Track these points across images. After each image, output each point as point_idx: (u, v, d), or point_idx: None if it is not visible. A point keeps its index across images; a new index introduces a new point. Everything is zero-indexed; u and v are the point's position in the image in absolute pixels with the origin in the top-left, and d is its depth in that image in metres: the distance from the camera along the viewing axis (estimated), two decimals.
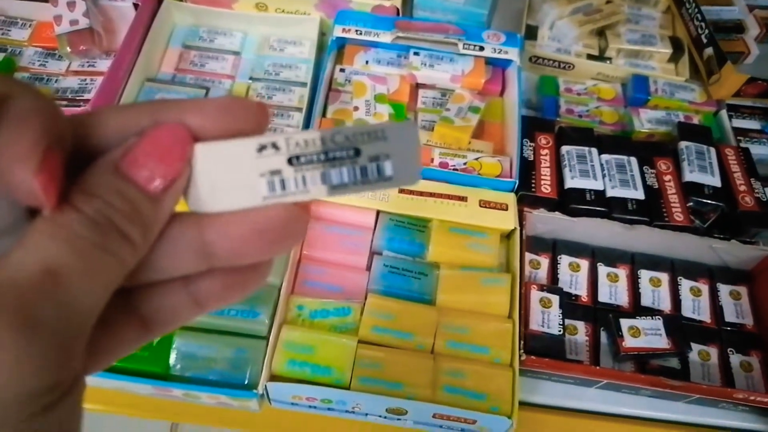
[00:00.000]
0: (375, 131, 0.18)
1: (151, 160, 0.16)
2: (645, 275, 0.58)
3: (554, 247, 0.59)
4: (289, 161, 0.17)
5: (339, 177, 0.18)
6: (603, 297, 0.57)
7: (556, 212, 0.56)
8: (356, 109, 0.63)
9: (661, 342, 0.53)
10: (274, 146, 0.17)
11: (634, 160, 0.61)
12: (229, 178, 0.17)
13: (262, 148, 0.17)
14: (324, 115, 0.65)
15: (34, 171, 0.14)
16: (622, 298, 0.57)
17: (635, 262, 0.58)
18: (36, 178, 0.14)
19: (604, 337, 0.55)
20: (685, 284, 0.58)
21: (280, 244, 0.18)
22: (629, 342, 0.53)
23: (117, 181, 0.15)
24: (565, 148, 0.61)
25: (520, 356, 0.50)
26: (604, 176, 0.59)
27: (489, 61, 0.68)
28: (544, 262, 0.58)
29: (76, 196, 0.15)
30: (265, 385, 0.47)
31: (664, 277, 0.58)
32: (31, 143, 0.14)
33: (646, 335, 0.53)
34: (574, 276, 0.58)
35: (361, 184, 0.18)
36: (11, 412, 0.13)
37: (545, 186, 0.58)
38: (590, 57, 0.73)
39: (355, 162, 0.18)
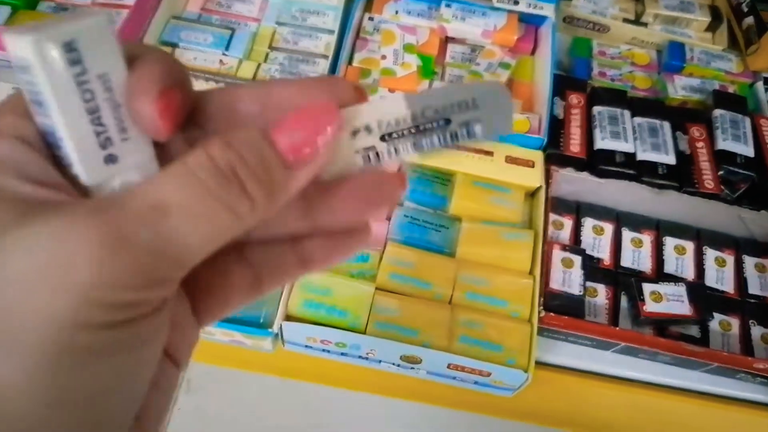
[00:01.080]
0: (466, 102, 0.18)
1: (298, 131, 0.16)
2: (670, 242, 0.57)
3: (578, 209, 0.58)
4: (382, 138, 0.18)
5: (430, 143, 0.19)
6: (626, 262, 0.56)
7: (585, 172, 0.55)
8: (384, 57, 0.62)
9: (683, 308, 0.52)
10: (367, 129, 0.18)
11: (666, 124, 0.59)
12: (330, 156, 0.18)
13: (355, 132, 0.18)
14: (350, 62, 0.63)
15: (152, 100, 0.16)
16: (646, 264, 0.56)
17: (661, 228, 0.57)
18: (153, 105, 0.16)
19: (624, 301, 0.54)
20: (710, 254, 0.57)
21: (373, 204, 0.19)
22: (650, 306, 0.52)
23: (260, 140, 0.16)
24: (596, 109, 0.59)
25: (539, 312, 0.49)
26: (635, 139, 0.58)
27: (521, 19, 0.66)
28: (568, 223, 0.57)
29: (215, 143, 0.16)
30: (281, 325, 0.46)
31: (689, 245, 0.57)
32: (152, 81, 0.16)
33: (668, 301, 0.52)
34: (597, 239, 0.56)
35: (450, 145, 0.19)
36: (84, 312, 0.14)
37: (574, 145, 0.57)
38: (626, 21, 0.71)
39: (445, 129, 0.18)
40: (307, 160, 0.17)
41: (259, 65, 0.61)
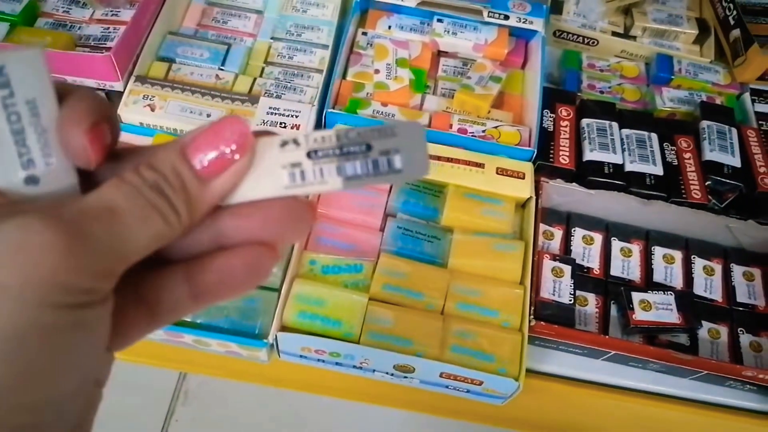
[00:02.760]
0: (385, 129, 0.20)
1: (208, 147, 0.18)
2: (659, 252, 0.58)
3: (568, 220, 0.59)
4: (308, 155, 0.19)
5: (353, 169, 0.20)
6: (615, 271, 0.57)
7: (574, 183, 0.56)
8: (377, 72, 0.63)
9: (672, 317, 0.53)
10: (295, 142, 0.19)
11: (654, 136, 0.60)
12: (255, 170, 0.19)
13: (284, 144, 0.19)
14: (344, 77, 0.64)
15: (84, 130, 0.18)
16: (635, 273, 0.57)
17: (649, 238, 0.58)
18: (86, 135, 0.18)
19: (614, 310, 0.55)
20: (699, 263, 0.58)
21: (283, 230, 0.20)
22: (639, 315, 0.53)
23: (176, 160, 0.18)
24: (585, 121, 0.60)
25: (529, 322, 0.50)
26: (623, 150, 0.59)
27: (512, 33, 0.67)
28: (558, 233, 0.58)
29: (143, 167, 0.18)
30: (276, 335, 0.47)
31: (677, 254, 0.58)
32: (84, 113, 0.18)
33: (657, 309, 0.53)
34: (587, 249, 0.57)
35: (373, 176, 0.20)
36: (50, 294, 0.16)
37: (563, 157, 0.58)
38: (615, 34, 0.72)
39: (368, 156, 0.19)
40: (219, 171, 0.18)
41: (254, 80, 0.62)
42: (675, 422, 0.55)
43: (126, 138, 0.57)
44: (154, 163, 0.18)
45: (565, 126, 0.60)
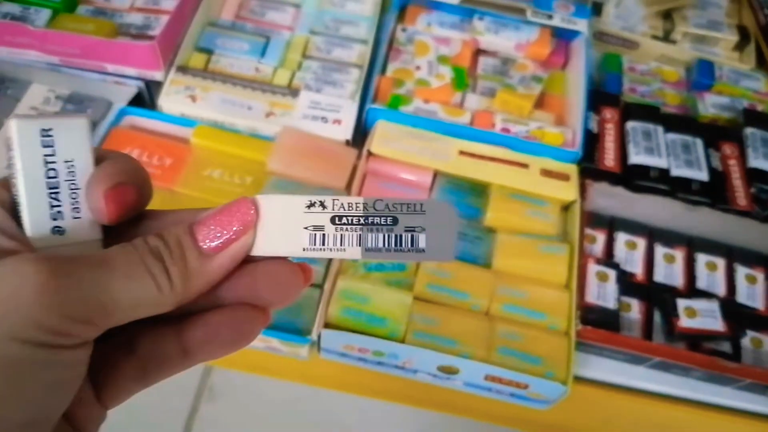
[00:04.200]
0: (414, 204, 0.20)
1: (214, 225, 0.19)
2: (701, 259, 0.57)
3: (611, 224, 0.58)
4: (332, 220, 0.19)
5: (374, 241, 0.19)
6: (658, 277, 0.56)
7: (619, 187, 0.55)
8: (418, 68, 0.62)
9: (717, 324, 0.52)
10: (322, 204, 0.20)
11: (699, 141, 0.59)
12: (279, 227, 0.20)
13: (311, 205, 0.20)
14: (383, 72, 0.64)
15: (104, 190, 0.19)
16: (678, 280, 0.56)
17: (692, 245, 0.57)
18: (103, 196, 0.19)
19: (657, 316, 0.54)
20: (741, 271, 0.57)
21: (271, 294, 0.20)
22: (684, 322, 0.52)
23: (182, 231, 0.19)
24: (630, 124, 0.60)
25: (576, 326, 0.49)
26: (669, 155, 0.58)
27: (553, 34, 0.66)
28: (600, 237, 0.57)
29: (151, 234, 0.19)
30: (319, 332, 0.46)
31: (720, 262, 0.57)
32: (110, 174, 0.19)
33: (702, 316, 0.52)
34: (629, 254, 0.57)
35: (394, 251, 0.20)
36: (27, 330, 0.16)
37: (609, 159, 0.57)
38: (654, 38, 0.72)
39: (392, 230, 0.19)
40: (221, 249, 0.19)
41: (294, 73, 0.61)
42: (716, 431, 0.54)
43: (167, 128, 0.57)
44: (162, 231, 0.19)
45: (610, 128, 0.59)
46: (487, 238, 0.54)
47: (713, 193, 0.57)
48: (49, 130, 0.18)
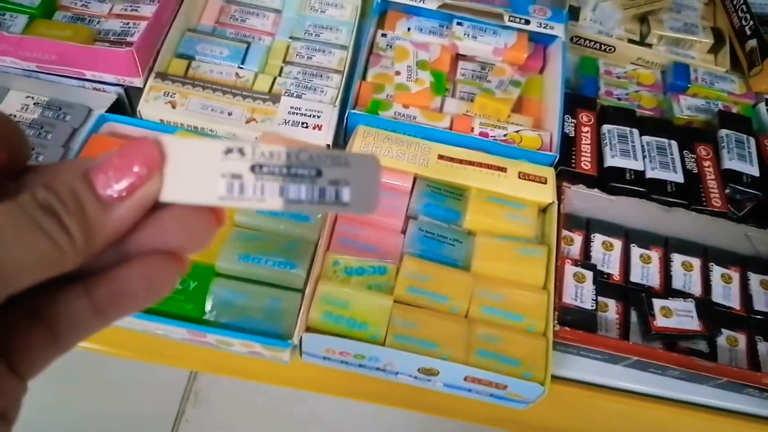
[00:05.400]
0: (338, 157, 0.19)
1: (115, 171, 0.17)
2: (677, 259, 0.58)
3: (588, 225, 0.59)
4: (252, 168, 0.18)
5: (297, 193, 0.19)
6: (635, 277, 0.57)
7: (595, 189, 0.56)
8: (398, 73, 0.63)
9: (693, 324, 0.53)
10: (240, 151, 0.18)
11: (674, 143, 0.60)
12: (192, 173, 0.18)
13: (228, 151, 0.18)
14: (364, 78, 0.64)
15: None
16: (654, 280, 0.57)
17: (668, 245, 0.58)
18: None
19: (634, 316, 0.55)
20: (717, 270, 0.58)
21: (181, 238, 0.19)
22: (660, 321, 0.53)
23: (76, 181, 0.17)
24: (606, 127, 0.60)
25: (554, 327, 0.50)
26: (644, 157, 0.59)
27: (531, 38, 0.67)
28: (577, 239, 0.58)
29: (38, 187, 0.17)
30: (301, 336, 0.47)
31: (696, 262, 0.58)
32: None
33: (677, 316, 0.53)
34: (606, 255, 0.57)
35: (317, 204, 0.19)
36: None
37: (585, 162, 0.58)
38: (630, 42, 0.73)
39: (315, 182, 0.19)
40: (124, 197, 0.17)
41: (274, 79, 0.62)
42: (692, 428, 0.55)
43: (147, 135, 0.57)
44: (51, 182, 0.17)
45: (587, 132, 0.60)
46: (467, 241, 0.54)
47: (688, 194, 0.58)
48: None
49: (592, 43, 0.71)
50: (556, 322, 0.50)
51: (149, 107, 0.57)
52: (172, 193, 0.18)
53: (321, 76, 0.64)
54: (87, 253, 0.17)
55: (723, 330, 0.55)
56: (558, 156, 0.57)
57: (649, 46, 0.73)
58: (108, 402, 0.82)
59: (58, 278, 0.18)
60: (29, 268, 0.16)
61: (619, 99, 0.67)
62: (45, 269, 0.17)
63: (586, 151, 0.59)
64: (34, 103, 0.58)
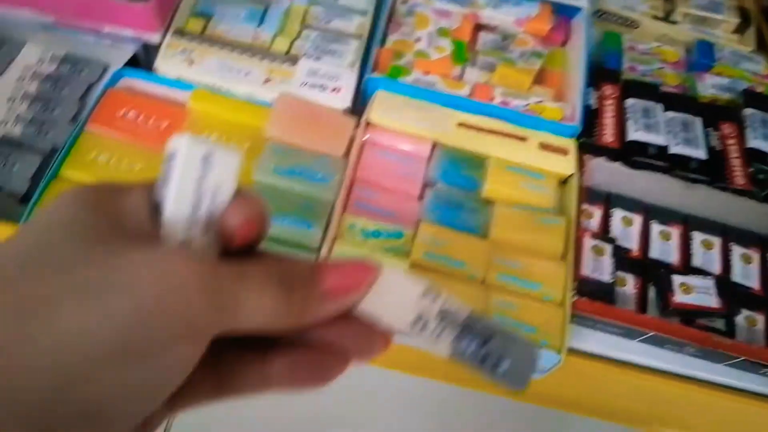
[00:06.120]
0: (511, 336, 0.22)
1: (341, 276, 0.21)
2: (697, 237, 0.57)
3: (608, 200, 0.58)
4: (439, 313, 0.21)
5: (466, 347, 0.21)
6: (654, 253, 0.56)
7: (617, 162, 0.55)
8: (418, 40, 0.62)
9: (712, 301, 0.52)
10: (435, 296, 0.22)
11: (698, 120, 0.59)
12: (392, 299, 0.21)
13: (427, 292, 0.22)
14: (383, 44, 0.63)
15: (245, 216, 0.21)
16: (673, 257, 0.56)
17: (689, 223, 0.57)
18: (243, 220, 0.21)
19: (652, 292, 0.54)
20: (737, 250, 0.57)
21: (354, 347, 0.22)
22: (679, 297, 0.52)
23: (310, 268, 0.21)
24: (630, 101, 0.59)
25: (572, 297, 0.49)
26: (668, 133, 0.58)
27: (554, 10, 0.66)
28: (597, 212, 0.57)
29: (284, 261, 0.21)
30: None
31: (716, 240, 0.57)
32: (250, 205, 0.21)
33: (697, 293, 0.52)
34: (625, 230, 0.56)
35: (476, 364, 0.21)
36: (180, 327, 0.18)
37: (608, 135, 0.57)
38: (655, 18, 0.71)
39: (483, 345, 0.21)
40: (339, 296, 0.21)
41: (292, 41, 0.61)
42: (705, 406, 0.55)
43: (163, 91, 0.56)
44: (293, 260, 0.21)
45: (610, 104, 0.59)
46: (484, 210, 0.53)
47: (711, 171, 0.57)
48: (211, 155, 0.20)
49: (617, 17, 0.70)
50: (574, 292, 0.49)
51: (166, 64, 0.56)
52: (370, 307, 0.21)
53: (339, 41, 0.63)
54: (298, 322, 0.20)
55: (742, 310, 0.54)
56: (580, 127, 0.56)
57: (674, 23, 0.71)
58: None
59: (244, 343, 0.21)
60: (257, 315, 0.19)
61: (642, 75, 0.66)
62: (266, 320, 0.19)
63: (608, 124, 0.58)
64: (51, 57, 0.57)
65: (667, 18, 0.72)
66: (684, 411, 0.55)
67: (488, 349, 0.21)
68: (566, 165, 0.54)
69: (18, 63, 0.57)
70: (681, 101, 0.61)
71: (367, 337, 0.22)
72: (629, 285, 0.54)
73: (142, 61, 0.59)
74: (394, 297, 0.21)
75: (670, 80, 0.66)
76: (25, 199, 0.50)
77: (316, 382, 0.22)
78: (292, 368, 0.21)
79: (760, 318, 0.54)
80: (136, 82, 0.56)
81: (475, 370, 0.21)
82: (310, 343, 0.22)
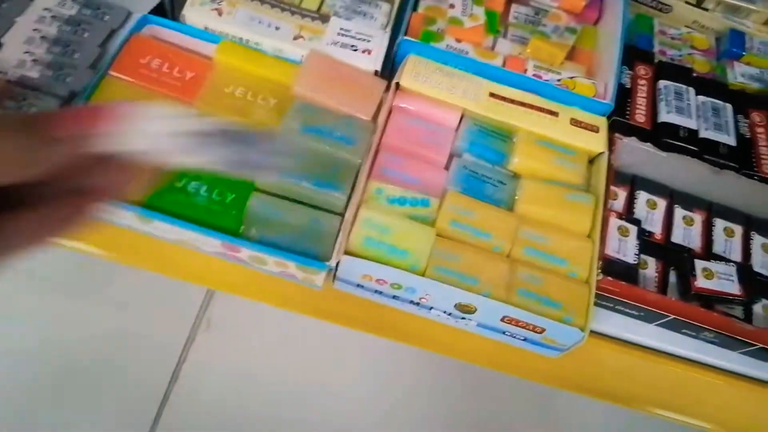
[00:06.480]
0: (263, 132, 0.23)
1: (69, 124, 0.21)
2: (720, 224, 0.56)
3: (633, 182, 0.57)
4: (189, 132, 0.22)
5: (227, 154, 0.22)
6: (676, 238, 0.55)
7: (648, 143, 0.54)
8: (452, 6, 0.60)
9: (733, 288, 0.52)
10: (179, 117, 0.22)
11: (729, 106, 0.59)
12: (144, 130, 0.22)
13: (175, 113, 0.22)
14: (415, 9, 0.61)
15: None
16: (695, 242, 0.55)
17: (712, 209, 0.57)
18: None
19: (673, 276, 0.54)
20: (758, 239, 0.57)
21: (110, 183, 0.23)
22: (701, 282, 0.52)
23: (46, 116, 0.21)
24: (662, 83, 0.58)
25: (597, 275, 0.48)
26: (698, 117, 0.57)
27: None
28: (621, 194, 0.56)
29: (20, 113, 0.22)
30: (338, 260, 0.45)
31: (738, 229, 0.57)
32: None
33: (719, 279, 0.52)
34: (650, 213, 0.56)
35: (245, 166, 0.23)
36: None
37: (640, 115, 0.56)
38: (687, 3, 0.70)
39: (240, 146, 0.23)
40: (72, 142, 0.21)
41: (323, 0, 0.59)
42: (717, 392, 0.55)
43: (189, 42, 0.54)
44: (27, 114, 0.21)
45: (643, 85, 0.58)
46: (511, 184, 0.52)
47: (739, 158, 0.56)
48: None
49: (649, 0, 0.69)
50: (599, 271, 0.49)
51: (194, 12, 0.54)
52: (123, 144, 0.21)
53: (369, 2, 0.61)
54: (35, 170, 0.20)
55: (761, 299, 0.54)
56: (612, 105, 0.55)
57: (706, 10, 0.70)
58: (115, 321, 0.80)
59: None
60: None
61: (672, 59, 0.65)
62: (7, 170, 0.20)
63: (641, 104, 0.57)
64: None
65: (699, 4, 0.71)
66: (697, 396, 0.55)
67: (246, 150, 0.22)
68: (597, 142, 0.54)
69: (37, 3, 0.55)
70: (712, 86, 0.60)
71: (122, 173, 0.23)
72: (651, 268, 0.54)
73: (168, 10, 0.57)
74: (145, 128, 0.22)
75: (700, 67, 0.65)
76: None
77: (66, 227, 0.22)
78: (41, 218, 0.22)
79: None
80: (162, 30, 0.54)
81: (245, 172, 0.23)
82: (69, 193, 0.22)
